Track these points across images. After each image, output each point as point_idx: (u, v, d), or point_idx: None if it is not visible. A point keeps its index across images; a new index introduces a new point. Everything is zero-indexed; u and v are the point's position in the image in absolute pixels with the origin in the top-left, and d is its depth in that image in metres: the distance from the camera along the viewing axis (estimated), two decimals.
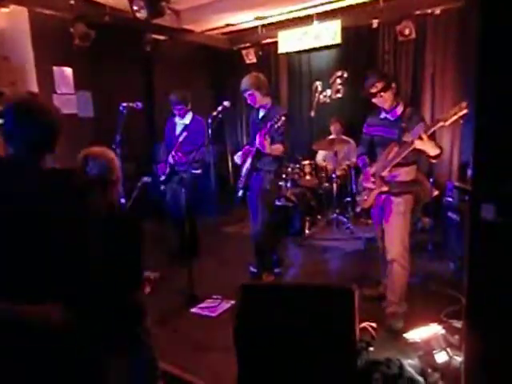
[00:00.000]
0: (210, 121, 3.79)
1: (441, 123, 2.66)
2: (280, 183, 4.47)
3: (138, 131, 5.78)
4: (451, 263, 3.95)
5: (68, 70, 5.15)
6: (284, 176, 5.54)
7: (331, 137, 5.77)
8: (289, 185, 5.63)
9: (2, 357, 1.45)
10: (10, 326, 1.43)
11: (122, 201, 3.50)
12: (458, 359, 2.35)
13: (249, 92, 3.73)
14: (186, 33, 6.30)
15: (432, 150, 2.79)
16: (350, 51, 6.11)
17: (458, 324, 2.76)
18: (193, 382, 2.55)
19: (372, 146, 3.28)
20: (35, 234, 1.47)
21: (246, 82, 3.75)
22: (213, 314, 3.38)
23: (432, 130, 2.70)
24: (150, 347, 2.10)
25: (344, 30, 5.88)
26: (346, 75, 6.23)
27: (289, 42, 6.41)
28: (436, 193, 4.71)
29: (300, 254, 4.90)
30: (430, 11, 5.30)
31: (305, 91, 6.72)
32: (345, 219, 5.42)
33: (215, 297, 3.60)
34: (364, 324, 2.40)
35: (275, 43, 6.58)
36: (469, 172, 4.45)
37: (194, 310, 3.46)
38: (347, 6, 5.77)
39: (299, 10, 5.89)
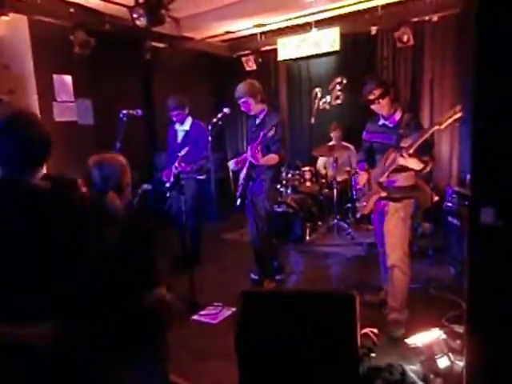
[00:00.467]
0: (210, 127, 3.80)
1: (436, 127, 2.68)
2: (279, 189, 4.47)
3: (138, 139, 5.80)
4: (452, 268, 3.94)
5: (68, 78, 5.17)
6: (284, 182, 5.56)
7: (331, 143, 5.79)
8: (289, 191, 5.64)
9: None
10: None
11: None
12: (460, 364, 2.34)
13: (243, 99, 3.73)
14: (186, 40, 6.34)
15: (416, 166, 2.84)
16: (349, 58, 6.14)
17: (459, 329, 2.75)
18: None
19: (372, 153, 3.29)
20: (34, 253, 1.45)
21: (239, 89, 3.75)
22: (214, 322, 3.37)
23: (414, 146, 2.72)
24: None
25: (343, 36, 5.91)
26: (345, 82, 6.27)
27: (288, 49, 6.45)
28: (436, 198, 4.71)
29: (301, 260, 4.89)
30: (427, 18, 5.34)
31: (304, 98, 6.75)
32: (345, 225, 5.42)
33: (216, 304, 3.59)
34: (365, 330, 2.39)
35: (275, 50, 6.62)
36: (468, 177, 4.45)
37: (195, 317, 3.45)
38: (346, 14, 5.81)
39: (298, 17, 5.93)
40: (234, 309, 3.37)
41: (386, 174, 2.98)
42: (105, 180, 1.86)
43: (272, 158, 3.68)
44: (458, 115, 2.56)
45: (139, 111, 4.05)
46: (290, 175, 5.67)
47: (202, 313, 3.50)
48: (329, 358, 1.76)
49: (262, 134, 3.51)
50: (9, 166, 1.49)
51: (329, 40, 5.99)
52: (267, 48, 6.77)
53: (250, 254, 4.05)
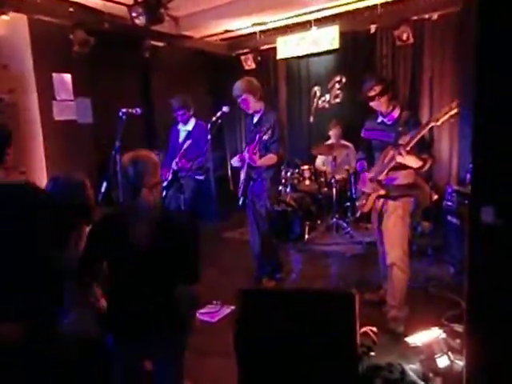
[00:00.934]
0: (209, 126, 3.79)
1: (432, 123, 2.69)
2: (279, 188, 4.46)
3: (137, 137, 5.79)
4: (451, 267, 3.95)
5: (67, 77, 5.15)
6: (283, 181, 5.55)
7: (330, 141, 5.78)
8: (288, 190, 5.63)
9: None
10: None
11: None
12: (460, 363, 2.34)
13: (242, 97, 3.71)
14: (185, 39, 6.32)
15: (414, 163, 2.85)
16: (349, 56, 6.13)
17: (459, 328, 2.75)
18: None
19: (371, 151, 3.28)
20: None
21: (238, 86, 3.73)
22: (213, 320, 3.37)
23: (412, 143, 2.74)
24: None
25: (342, 35, 5.90)
26: (344, 80, 6.25)
27: (287, 47, 6.44)
28: (435, 197, 4.71)
29: (300, 259, 4.89)
30: (427, 16, 5.33)
31: (304, 96, 6.74)
32: (344, 224, 5.42)
33: (215, 302, 3.59)
34: (365, 329, 2.40)
35: (274, 49, 6.60)
36: (468, 176, 4.45)
37: None
38: (345, 12, 5.80)
39: (297, 15, 5.92)
40: (233, 307, 3.37)
41: (385, 172, 2.98)
42: (139, 176, 1.88)
43: (270, 159, 3.67)
44: (455, 111, 2.57)
45: (138, 110, 4.03)
46: (289, 174, 5.66)
47: (201, 311, 3.49)
48: (328, 357, 1.76)
49: (257, 136, 3.50)
50: None
51: (328, 38, 5.98)
52: (266, 47, 6.75)
53: (250, 252, 4.05)
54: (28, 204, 1.73)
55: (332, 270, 4.50)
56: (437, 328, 2.67)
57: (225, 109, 3.77)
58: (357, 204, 3.47)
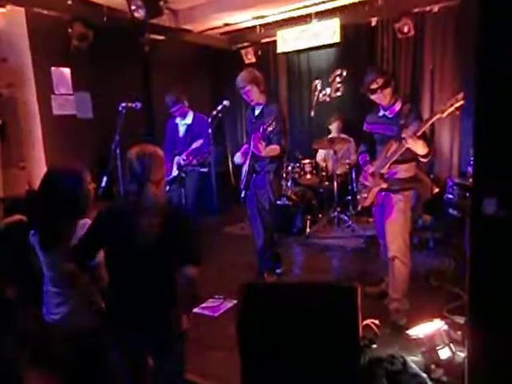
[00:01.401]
0: (209, 120, 3.78)
1: (438, 115, 2.68)
2: (281, 182, 4.45)
3: (137, 132, 5.77)
4: (452, 259, 3.95)
5: (66, 71, 5.12)
6: (284, 175, 5.54)
7: (331, 135, 5.76)
8: (289, 184, 5.62)
9: None
10: None
11: None
12: (462, 355, 2.35)
13: (247, 88, 3.68)
14: (185, 33, 6.30)
15: (421, 150, 2.82)
16: (349, 49, 6.09)
17: (460, 320, 2.76)
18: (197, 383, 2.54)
19: (372, 144, 3.28)
20: None
21: (242, 77, 3.69)
22: (215, 314, 3.38)
23: (422, 129, 2.74)
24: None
25: (343, 28, 5.88)
26: (345, 73, 6.22)
27: (288, 41, 6.41)
28: (436, 190, 4.71)
29: (302, 252, 4.90)
30: (428, 9, 5.31)
31: (304, 90, 6.71)
32: (346, 217, 5.42)
33: (217, 297, 3.60)
34: (367, 321, 2.40)
35: (274, 42, 6.58)
36: (469, 169, 4.45)
37: (195, 310, 3.45)
38: (346, 5, 5.77)
39: (298, 8, 5.88)
40: (235, 301, 3.37)
41: (387, 165, 2.97)
42: (145, 171, 1.89)
43: (274, 149, 3.65)
44: (460, 103, 2.56)
45: (138, 104, 4.02)
46: (290, 168, 5.66)
47: (203, 305, 3.50)
48: (330, 349, 1.76)
49: (262, 128, 3.48)
50: None
51: (329, 31, 5.96)
52: (267, 40, 6.72)
53: (251, 246, 4.05)
54: None
55: (333, 263, 4.50)
56: (438, 320, 2.67)
57: (225, 102, 3.75)
58: (358, 198, 3.47)
